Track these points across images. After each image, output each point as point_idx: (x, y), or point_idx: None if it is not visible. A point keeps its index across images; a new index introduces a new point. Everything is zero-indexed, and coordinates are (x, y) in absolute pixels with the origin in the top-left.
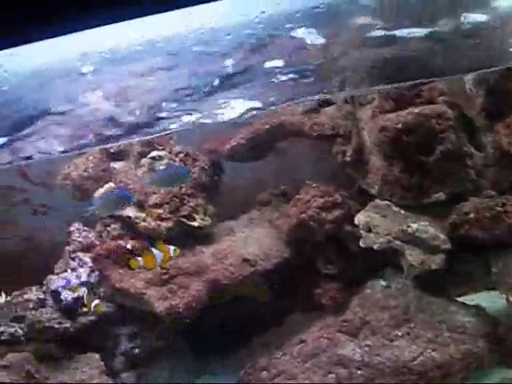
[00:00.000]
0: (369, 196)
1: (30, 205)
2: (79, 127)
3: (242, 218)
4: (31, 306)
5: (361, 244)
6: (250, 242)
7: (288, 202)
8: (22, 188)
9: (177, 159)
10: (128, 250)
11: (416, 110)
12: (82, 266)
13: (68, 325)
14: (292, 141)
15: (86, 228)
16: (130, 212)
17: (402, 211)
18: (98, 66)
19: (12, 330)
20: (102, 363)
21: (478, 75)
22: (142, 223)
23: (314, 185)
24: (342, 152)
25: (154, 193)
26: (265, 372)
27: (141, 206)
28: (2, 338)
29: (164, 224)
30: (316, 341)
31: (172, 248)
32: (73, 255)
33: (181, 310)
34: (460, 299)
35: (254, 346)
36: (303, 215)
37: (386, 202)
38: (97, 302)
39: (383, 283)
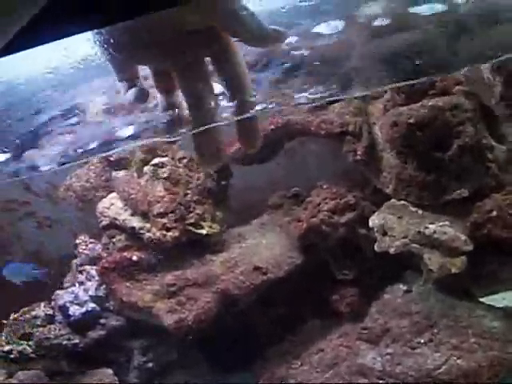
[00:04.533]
0: (384, 196)
1: (34, 218)
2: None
3: (252, 223)
4: (39, 322)
5: (376, 248)
6: (261, 249)
7: (301, 204)
8: (25, 201)
9: (180, 165)
10: (134, 262)
11: (429, 103)
12: (89, 280)
13: (77, 340)
14: (301, 140)
15: (92, 240)
16: (134, 223)
17: (420, 211)
18: None
19: (20, 347)
20: (116, 378)
21: (495, 62)
22: (147, 234)
23: (324, 186)
24: (353, 150)
25: (158, 202)
26: (283, 382)
27: (145, 215)
28: (11, 356)
29: (170, 234)
30: (335, 349)
31: None
32: (80, 268)
33: (190, 323)
34: (487, 299)
35: (270, 356)
36: (314, 219)
37: (402, 201)
38: None
39: (403, 287)
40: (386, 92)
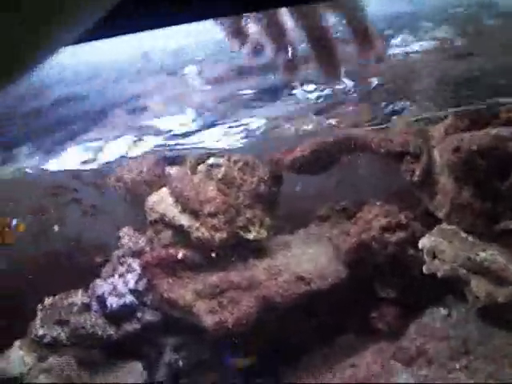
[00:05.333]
0: (435, 219)
1: (80, 205)
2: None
3: (299, 232)
4: (75, 310)
5: (424, 270)
6: (306, 259)
7: (349, 218)
8: (73, 188)
9: (235, 168)
10: (179, 259)
11: (493, 132)
12: (130, 272)
13: (112, 332)
14: (357, 155)
15: (136, 233)
16: (183, 220)
17: (470, 238)
18: None
19: (55, 333)
20: (145, 372)
21: None
22: (196, 233)
23: (377, 203)
24: (411, 171)
25: (209, 202)
26: None
27: (195, 214)
28: (45, 340)
29: (218, 235)
30: (368, 366)
31: (14, 221)
32: (121, 260)
33: (230, 326)
34: None
35: (302, 367)
36: (364, 235)
37: (454, 226)
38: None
39: (444, 312)
40: (446, 116)
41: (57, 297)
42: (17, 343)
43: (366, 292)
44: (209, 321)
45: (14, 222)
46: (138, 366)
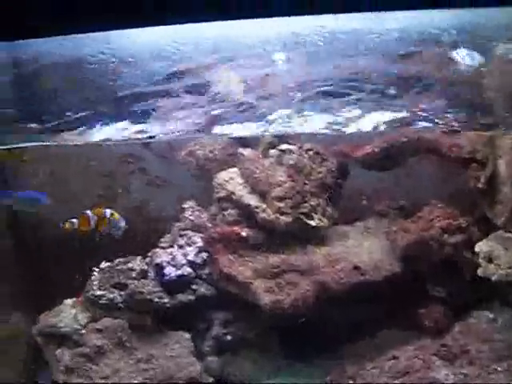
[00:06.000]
0: (492, 226)
1: (145, 175)
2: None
3: (357, 225)
4: (134, 275)
5: (479, 273)
6: (362, 251)
7: (405, 217)
8: (140, 156)
9: (306, 156)
10: (242, 237)
11: None
12: (189, 245)
13: (166, 300)
14: (422, 157)
15: (199, 208)
16: (251, 200)
17: None
18: None
19: (112, 295)
20: (192, 343)
21: None
22: (262, 214)
23: (439, 205)
24: (476, 178)
25: (279, 185)
26: (351, 382)
27: (263, 196)
28: (101, 301)
29: (283, 218)
30: (409, 360)
31: (108, 211)
32: (182, 232)
33: (286, 307)
34: None
35: (345, 354)
36: (425, 233)
37: (510, 235)
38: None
39: (490, 315)
40: None
41: (116, 261)
42: (69, 301)
43: (416, 288)
44: (266, 299)
45: (108, 212)
46: (186, 337)
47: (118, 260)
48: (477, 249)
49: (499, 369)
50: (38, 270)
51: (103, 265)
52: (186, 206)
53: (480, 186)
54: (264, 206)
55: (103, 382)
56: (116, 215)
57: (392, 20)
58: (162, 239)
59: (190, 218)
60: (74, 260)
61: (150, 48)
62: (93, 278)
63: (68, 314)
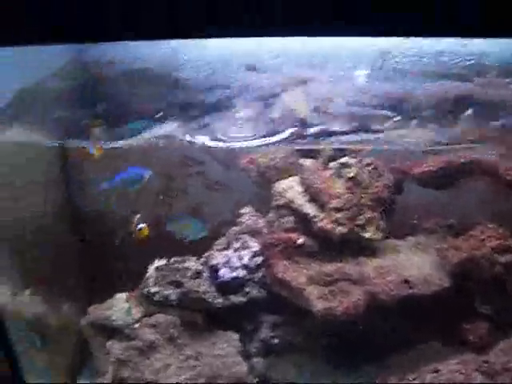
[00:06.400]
0: None
1: (204, 179)
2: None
3: (408, 239)
4: (189, 274)
5: None
6: (412, 265)
7: (454, 235)
8: (200, 161)
9: (365, 170)
10: (298, 244)
11: None
12: (244, 249)
13: (220, 301)
14: (476, 178)
15: (256, 214)
16: (309, 210)
17: None
18: None
19: (167, 292)
20: (240, 344)
21: None
22: (319, 223)
23: (490, 225)
24: None
25: (337, 197)
26: None
27: (321, 206)
28: (156, 298)
29: (339, 228)
30: (451, 373)
31: (140, 225)
32: (238, 236)
33: (338, 314)
34: None
35: (387, 364)
36: (476, 252)
37: None
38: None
39: None
40: None
41: (172, 259)
42: (122, 295)
43: (463, 305)
44: (318, 306)
45: (140, 225)
46: (234, 337)
47: (173, 259)
48: None
49: None
50: (93, 263)
51: (159, 262)
52: (243, 211)
53: None
54: (322, 215)
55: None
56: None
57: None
58: (218, 242)
59: (247, 222)
60: (129, 256)
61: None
62: (148, 274)
63: (121, 308)
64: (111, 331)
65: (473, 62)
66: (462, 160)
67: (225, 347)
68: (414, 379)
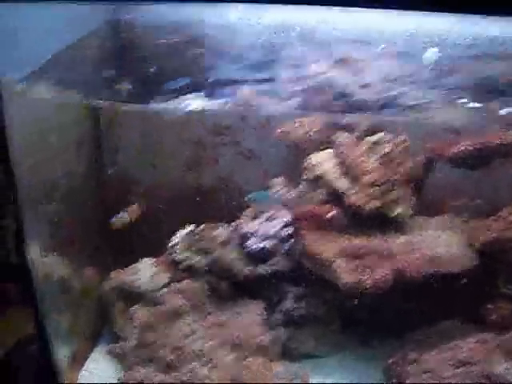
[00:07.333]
0: None
1: (238, 146)
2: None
3: (436, 218)
4: (218, 242)
5: None
6: (440, 243)
7: (481, 216)
8: (237, 128)
9: (399, 147)
10: (329, 217)
11: None
12: (275, 219)
13: (247, 270)
14: (508, 161)
15: (288, 184)
16: (342, 184)
17: None
18: None
19: (195, 259)
20: (265, 313)
21: None
22: (352, 197)
23: None
24: None
25: (371, 172)
26: (414, 365)
27: (354, 180)
28: (184, 263)
29: (372, 203)
30: (472, 350)
31: None
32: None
33: (367, 287)
34: None
35: (408, 339)
36: (506, 232)
37: None
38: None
39: None
40: None
41: (202, 226)
42: (148, 260)
43: (487, 284)
44: (347, 278)
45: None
46: (260, 305)
47: (203, 225)
48: None
49: None
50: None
51: (188, 228)
52: (276, 180)
53: None
54: (354, 189)
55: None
56: None
57: None
58: (248, 210)
59: (278, 192)
60: (158, 220)
61: None
62: (177, 240)
63: (147, 273)
64: (136, 296)
65: None
66: (500, 141)
67: (250, 316)
68: (434, 355)
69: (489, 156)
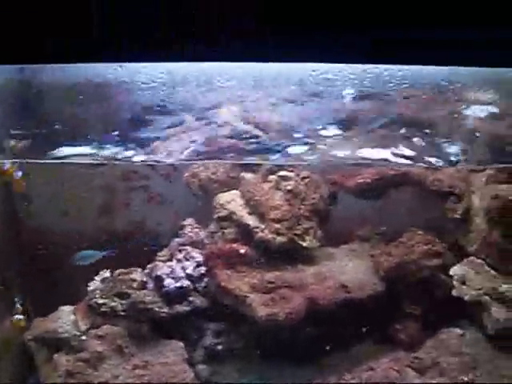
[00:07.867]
0: (464, 252)
1: (147, 192)
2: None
3: (342, 247)
4: (135, 286)
5: (453, 293)
6: (348, 271)
7: (387, 242)
8: (144, 175)
9: (302, 183)
10: (240, 254)
11: None
12: (188, 260)
13: (165, 310)
14: (406, 189)
15: (198, 226)
16: (250, 221)
17: (492, 271)
18: None
19: (113, 303)
20: (185, 352)
21: None
22: (260, 234)
23: (419, 232)
24: (453, 209)
25: (277, 208)
26: None
27: (261, 217)
28: (102, 309)
29: (279, 238)
30: (385, 371)
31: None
32: (181, 248)
33: (281, 319)
34: None
35: (326, 365)
36: (406, 257)
37: (481, 261)
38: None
39: (459, 331)
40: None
41: (117, 271)
42: (66, 308)
43: (392, 307)
44: (261, 312)
45: (19, 173)
46: (179, 345)
47: (119, 270)
48: (452, 272)
49: (466, 379)
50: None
51: (104, 274)
52: (185, 222)
53: (457, 216)
54: (262, 226)
55: None
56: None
57: None
58: (161, 253)
59: (190, 234)
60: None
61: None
62: (94, 286)
63: (67, 321)
64: (59, 344)
65: None
66: (393, 172)
67: (171, 356)
68: (351, 378)
69: (385, 186)
